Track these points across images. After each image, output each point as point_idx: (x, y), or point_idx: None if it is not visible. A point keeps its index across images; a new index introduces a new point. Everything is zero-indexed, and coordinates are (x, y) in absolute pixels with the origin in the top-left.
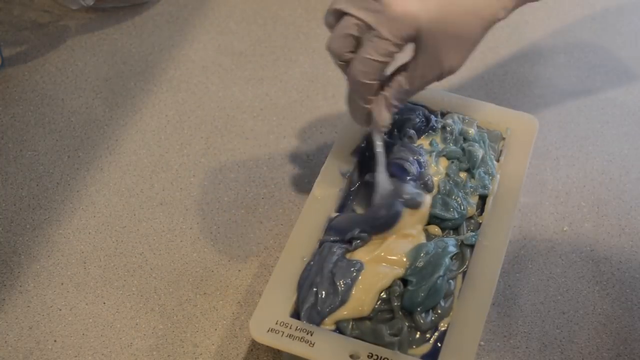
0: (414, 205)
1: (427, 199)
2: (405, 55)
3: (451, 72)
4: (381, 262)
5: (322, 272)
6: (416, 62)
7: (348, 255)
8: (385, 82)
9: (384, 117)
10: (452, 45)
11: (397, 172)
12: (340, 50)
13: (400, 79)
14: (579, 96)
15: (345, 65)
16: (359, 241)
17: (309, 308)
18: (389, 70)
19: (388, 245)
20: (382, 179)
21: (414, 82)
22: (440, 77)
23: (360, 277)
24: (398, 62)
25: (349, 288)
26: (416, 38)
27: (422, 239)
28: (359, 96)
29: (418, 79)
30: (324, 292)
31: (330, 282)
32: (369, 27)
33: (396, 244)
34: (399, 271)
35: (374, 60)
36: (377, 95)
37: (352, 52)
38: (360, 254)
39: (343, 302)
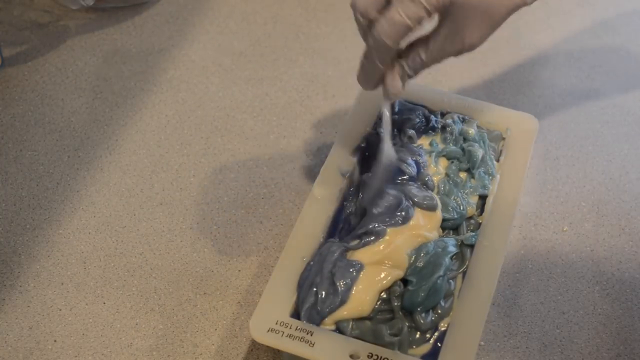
0: (430, 207)
1: (439, 202)
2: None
3: (471, 48)
4: (381, 263)
5: (322, 272)
6: (439, 34)
7: (348, 255)
8: (402, 51)
9: (396, 84)
10: (478, 21)
11: (395, 173)
12: (367, 8)
13: (420, 49)
14: (579, 96)
15: (366, 24)
16: (372, 237)
17: (309, 308)
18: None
19: (388, 245)
20: (388, 148)
21: (432, 54)
22: (459, 53)
23: (360, 277)
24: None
25: (348, 288)
26: (446, 9)
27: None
28: (378, 57)
29: (437, 51)
30: (323, 292)
31: (330, 282)
32: None
33: (396, 244)
34: (399, 272)
35: (401, 23)
36: (394, 61)
37: (378, 11)
38: (360, 254)
39: (343, 302)
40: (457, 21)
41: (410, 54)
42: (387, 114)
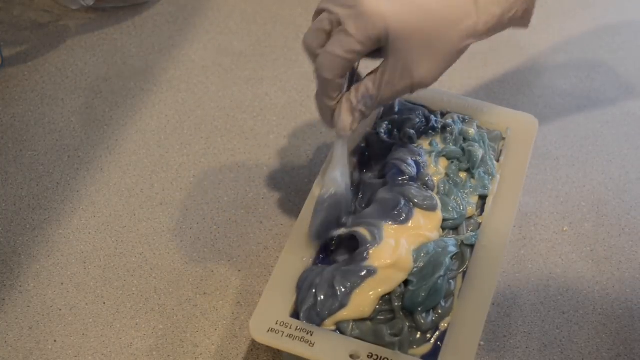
0: (430, 207)
1: (439, 201)
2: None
3: (422, 84)
4: (391, 267)
5: (322, 275)
6: (384, 66)
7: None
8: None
9: (343, 119)
10: (424, 54)
11: (394, 173)
12: (312, 45)
13: (368, 82)
14: (579, 96)
15: (312, 59)
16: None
17: (308, 309)
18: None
19: (396, 249)
20: (333, 178)
21: (380, 88)
22: (410, 89)
23: (363, 284)
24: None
25: (348, 293)
26: (386, 41)
27: None
28: (323, 92)
29: (385, 84)
30: (322, 296)
31: (330, 285)
32: (338, 22)
33: (404, 247)
34: (403, 274)
35: (336, 55)
36: (342, 97)
37: (320, 46)
38: (372, 259)
39: (342, 305)
40: (401, 54)
41: (360, 87)
42: (338, 150)
